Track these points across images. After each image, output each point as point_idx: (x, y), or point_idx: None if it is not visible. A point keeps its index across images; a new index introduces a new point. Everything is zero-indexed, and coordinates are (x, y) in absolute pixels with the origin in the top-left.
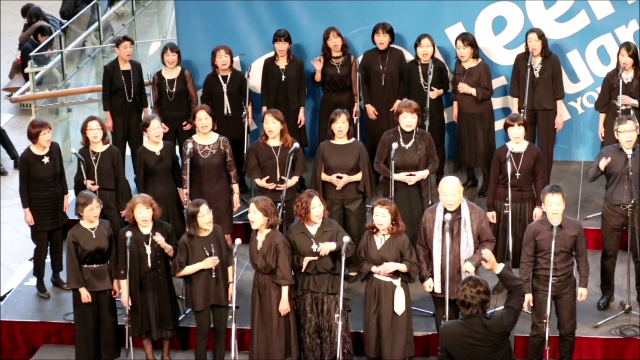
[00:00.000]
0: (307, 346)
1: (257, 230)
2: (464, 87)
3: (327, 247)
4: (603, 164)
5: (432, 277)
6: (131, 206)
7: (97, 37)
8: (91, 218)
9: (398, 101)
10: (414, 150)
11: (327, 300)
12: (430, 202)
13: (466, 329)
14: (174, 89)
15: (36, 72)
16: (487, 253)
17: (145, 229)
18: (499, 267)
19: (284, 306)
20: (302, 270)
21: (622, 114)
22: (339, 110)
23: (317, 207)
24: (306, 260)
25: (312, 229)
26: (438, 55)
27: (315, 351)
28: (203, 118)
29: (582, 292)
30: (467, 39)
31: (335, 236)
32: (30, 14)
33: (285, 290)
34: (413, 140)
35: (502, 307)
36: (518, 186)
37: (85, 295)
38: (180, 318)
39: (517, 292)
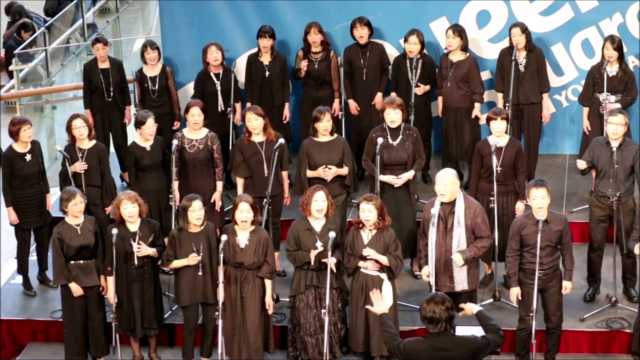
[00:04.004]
0: (311, 345)
1: (232, 229)
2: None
3: (332, 260)
4: (582, 166)
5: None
6: (117, 203)
7: (81, 35)
8: (75, 213)
9: (379, 95)
10: (401, 147)
11: (331, 295)
12: (417, 199)
13: (432, 347)
14: (157, 86)
15: (20, 70)
16: (470, 308)
17: (133, 225)
18: (475, 309)
19: (270, 299)
20: (312, 263)
21: (606, 109)
22: (323, 108)
23: (318, 202)
24: (313, 253)
25: (317, 226)
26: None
27: (319, 347)
28: (196, 114)
29: (566, 286)
30: (458, 29)
31: (337, 235)
32: (14, 11)
33: (269, 283)
34: (400, 136)
35: (490, 300)
36: (500, 180)
37: (75, 288)
38: (166, 315)
39: (494, 331)
